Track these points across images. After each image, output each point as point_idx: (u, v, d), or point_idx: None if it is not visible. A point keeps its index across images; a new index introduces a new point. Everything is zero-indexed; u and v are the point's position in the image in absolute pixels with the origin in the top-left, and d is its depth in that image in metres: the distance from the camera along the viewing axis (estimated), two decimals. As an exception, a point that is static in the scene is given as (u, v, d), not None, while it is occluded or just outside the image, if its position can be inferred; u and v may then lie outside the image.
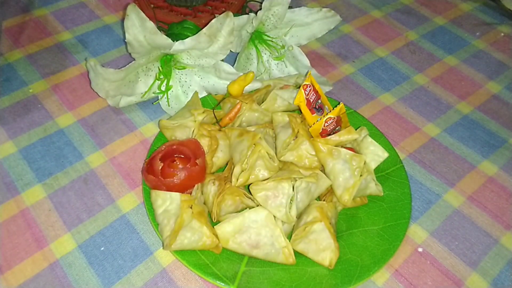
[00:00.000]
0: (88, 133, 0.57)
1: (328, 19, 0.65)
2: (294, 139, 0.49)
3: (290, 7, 0.62)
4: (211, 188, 0.48)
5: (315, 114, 0.50)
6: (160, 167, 0.47)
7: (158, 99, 0.60)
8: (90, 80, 0.58)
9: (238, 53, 0.62)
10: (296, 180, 0.45)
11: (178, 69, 0.60)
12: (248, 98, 0.55)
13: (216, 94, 0.60)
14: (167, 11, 0.72)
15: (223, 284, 0.43)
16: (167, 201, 0.46)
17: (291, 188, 0.45)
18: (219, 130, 0.53)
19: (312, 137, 0.50)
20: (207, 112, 0.53)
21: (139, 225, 0.49)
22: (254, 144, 0.48)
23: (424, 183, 0.56)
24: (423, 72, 0.71)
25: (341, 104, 0.50)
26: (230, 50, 0.58)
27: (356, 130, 0.50)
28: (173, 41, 0.54)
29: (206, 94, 0.61)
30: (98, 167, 0.54)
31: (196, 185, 0.48)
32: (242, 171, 0.47)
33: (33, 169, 0.53)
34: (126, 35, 0.52)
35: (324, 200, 0.50)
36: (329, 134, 0.50)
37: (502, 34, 0.80)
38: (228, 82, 0.58)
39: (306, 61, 0.66)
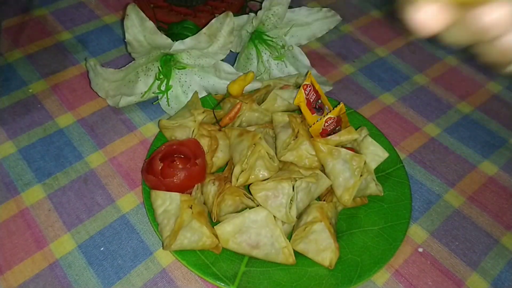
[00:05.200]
0: (88, 133, 0.57)
1: (328, 19, 0.65)
2: (294, 139, 0.49)
3: (290, 7, 0.62)
4: (211, 188, 0.48)
5: (315, 114, 0.50)
6: (160, 167, 0.47)
7: (158, 99, 0.60)
8: (90, 80, 0.58)
9: (238, 53, 0.62)
10: (296, 180, 0.45)
11: (178, 69, 0.60)
12: (248, 98, 0.55)
13: (216, 94, 0.60)
14: (167, 11, 0.72)
15: (223, 284, 0.43)
16: (167, 201, 0.46)
17: (291, 188, 0.45)
18: (219, 130, 0.53)
19: (312, 137, 0.49)
20: (207, 112, 0.53)
21: (139, 225, 0.49)
22: (254, 144, 0.48)
23: (424, 183, 0.56)
24: (423, 72, 0.71)
25: (341, 104, 0.49)
26: (230, 50, 0.58)
27: (356, 130, 0.49)
28: (173, 41, 0.54)
29: (206, 94, 0.60)
30: (97, 167, 0.54)
31: (196, 185, 0.48)
32: (242, 171, 0.47)
33: (33, 169, 0.53)
34: (126, 35, 0.52)
35: (324, 200, 0.50)
36: (329, 134, 0.49)
37: (503, 34, 0.80)
38: (228, 82, 0.58)
39: (306, 61, 0.66)
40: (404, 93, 0.67)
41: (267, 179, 0.47)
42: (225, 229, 0.45)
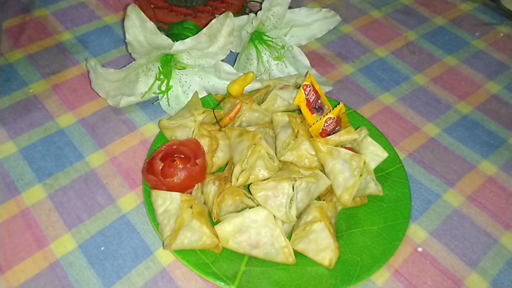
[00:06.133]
0: (89, 133, 0.57)
1: (328, 19, 0.66)
2: (294, 139, 0.49)
3: (290, 7, 0.62)
4: (211, 188, 0.48)
5: (315, 114, 0.50)
6: (160, 167, 0.48)
7: (158, 99, 0.61)
8: (91, 80, 0.58)
9: (238, 53, 0.62)
10: (296, 180, 0.45)
11: (178, 69, 0.60)
12: (248, 98, 0.55)
13: (216, 94, 0.60)
14: (167, 11, 0.72)
15: (223, 283, 0.43)
16: (167, 201, 0.46)
17: (291, 188, 0.45)
18: (219, 130, 0.53)
19: (312, 137, 0.50)
20: (207, 112, 0.53)
21: (139, 225, 0.49)
22: (254, 144, 0.48)
23: (424, 183, 0.56)
24: (422, 72, 0.71)
25: (341, 104, 0.50)
26: (230, 50, 0.58)
27: (355, 130, 0.50)
28: (173, 41, 0.54)
29: (206, 94, 0.61)
30: (98, 167, 0.54)
31: (196, 185, 0.48)
32: (242, 171, 0.47)
33: (34, 169, 0.53)
34: (126, 35, 0.52)
35: (324, 200, 0.50)
36: (329, 134, 0.50)
37: (502, 34, 0.80)
38: (228, 82, 0.58)
39: (306, 61, 0.66)
40: (404, 93, 0.67)
41: (267, 179, 0.47)
42: (225, 228, 0.45)
